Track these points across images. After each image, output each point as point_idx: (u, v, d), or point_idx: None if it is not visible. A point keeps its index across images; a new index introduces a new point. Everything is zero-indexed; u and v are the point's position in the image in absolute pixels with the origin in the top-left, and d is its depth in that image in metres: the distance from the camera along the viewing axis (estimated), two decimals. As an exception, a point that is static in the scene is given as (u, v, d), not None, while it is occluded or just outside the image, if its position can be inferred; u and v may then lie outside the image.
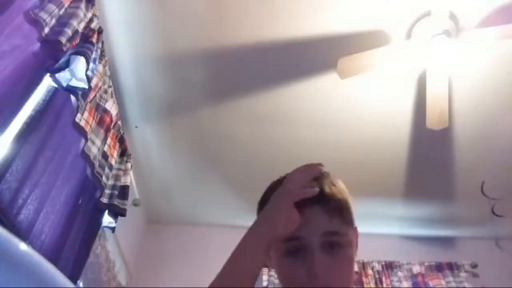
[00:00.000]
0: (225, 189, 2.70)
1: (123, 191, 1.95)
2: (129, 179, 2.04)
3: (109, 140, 1.82)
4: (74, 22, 1.39)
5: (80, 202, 1.66)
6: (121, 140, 2.03)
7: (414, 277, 2.77)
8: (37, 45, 1.29)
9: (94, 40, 1.52)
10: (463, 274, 2.76)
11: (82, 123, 1.53)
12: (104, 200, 1.80)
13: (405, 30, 1.78)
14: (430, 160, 2.44)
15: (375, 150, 2.38)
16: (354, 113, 2.18)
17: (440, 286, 2.72)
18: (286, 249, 0.66)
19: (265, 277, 2.65)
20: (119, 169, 2.00)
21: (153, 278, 2.74)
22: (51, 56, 1.32)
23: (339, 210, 0.67)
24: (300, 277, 0.64)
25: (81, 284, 1.84)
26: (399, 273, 2.75)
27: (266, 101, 2.13)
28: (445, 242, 3.00)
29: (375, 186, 2.60)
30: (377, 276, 2.73)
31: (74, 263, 1.57)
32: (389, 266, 2.77)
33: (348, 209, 0.70)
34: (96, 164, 1.65)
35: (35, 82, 1.31)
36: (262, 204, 0.75)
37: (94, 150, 1.62)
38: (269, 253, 0.70)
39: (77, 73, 1.43)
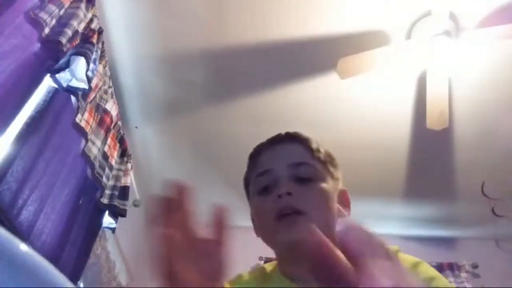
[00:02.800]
0: (225, 189, 2.70)
1: (124, 191, 1.95)
2: (129, 179, 2.04)
3: (109, 141, 1.82)
4: (74, 23, 1.39)
5: (80, 202, 1.66)
6: (121, 141, 2.03)
7: (415, 278, 2.77)
8: (37, 46, 1.29)
9: (94, 40, 1.52)
10: (463, 275, 2.76)
11: (83, 124, 1.53)
12: (105, 200, 1.79)
13: (405, 30, 1.78)
14: (430, 160, 2.43)
15: (375, 150, 2.38)
16: (354, 113, 2.18)
17: (441, 287, 2.71)
18: (258, 185, 0.66)
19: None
20: (119, 169, 2.00)
21: (153, 279, 2.74)
22: (51, 57, 1.32)
23: (309, 147, 0.68)
24: (269, 208, 0.62)
25: (81, 285, 1.84)
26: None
27: (266, 101, 2.13)
28: (446, 242, 2.99)
29: (375, 186, 2.60)
30: (377, 276, 2.72)
31: (74, 263, 1.57)
32: (390, 267, 2.77)
33: (318, 151, 0.68)
34: (96, 164, 1.65)
35: (36, 82, 1.31)
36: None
37: (94, 151, 1.62)
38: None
39: (77, 73, 1.43)
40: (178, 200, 0.45)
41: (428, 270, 0.61)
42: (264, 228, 0.65)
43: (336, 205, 0.64)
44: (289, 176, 0.63)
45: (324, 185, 0.64)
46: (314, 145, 0.69)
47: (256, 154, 0.72)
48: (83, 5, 1.48)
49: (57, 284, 0.16)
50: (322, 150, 0.69)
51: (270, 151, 0.69)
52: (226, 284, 0.65)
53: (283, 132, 0.73)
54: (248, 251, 2.79)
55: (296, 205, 0.60)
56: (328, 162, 0.69)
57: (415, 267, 0.61)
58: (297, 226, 0.58)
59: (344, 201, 0.70)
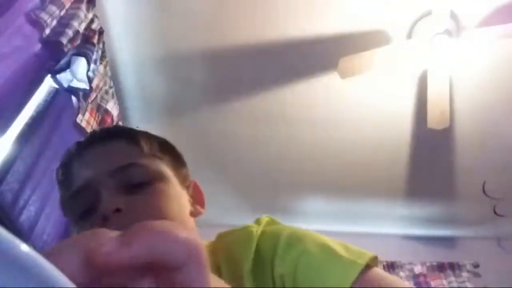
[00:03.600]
0: (226, 189, 2.70)
1: (124, 191, 1.95)
2: (130, 179, 2.04)
3: (110, 141, 1.83)
4: (75, 23, 1.40)
5: (81, 202, 1.66)
6: (122, 141, 2.03)
7: (416, 277, 2.77)
8: (38, 46, 1.29)
9: (95, 41, 1.52)
10: (465, 274, 2.76)
11: (83, 124, 1.53)
12: (105, 200, 1.80)
13: (406, 30, 1.78)
14: (431, 159, 2.43)
15: (376, 150, 2.38)
16: (355, 113, 2.18)
17: (442, 286, 2.71)
18: (76, 211, 0.48)
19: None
20: (120, 169, 2.00)
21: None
22: (52, 57, 1.33)
23: (135, 140, 0.52)
24: (93, 235, 0.41)
25: (82, 285, 1.84)
26: (401, 273, 2.75)
27: (266, 101, 2.13)
28: (447, 242, 2.99)
29: (376, 186, 2.60)
30: (378, 276, 2.72)
31: (75, 263, 1.57)
32: (391, 266, 2.77)
33: (147, 143, 0.54)
34: (97, 164, 1.65)
35: (36, 83, 1.31)
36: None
37: (95, 151, 1.62)
38: None
39: (78, 74, 1.43)
40: None
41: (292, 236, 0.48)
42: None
43: (187, 205, 0.53)
44: (114, 186, 0.47)
45: (163, 185, 0.49)
46: (142, 138, 0.54)
47: (65, 167, 0.53)
48: (83, 6, 1.48)
49: (58, 284, 0.16)
50: (154, 141, 0.56)
51: (83, 158, 0.51)
52: None
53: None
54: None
55: (129, 224, 0.42)
56: (165, 154, 0.55)
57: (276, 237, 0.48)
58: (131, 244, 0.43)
59: (196, 196, 0.58)
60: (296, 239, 0.47)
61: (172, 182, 0.52)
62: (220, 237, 0.55)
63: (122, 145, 0.51)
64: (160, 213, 0.46)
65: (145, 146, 0.52)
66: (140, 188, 0.47)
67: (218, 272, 0.47)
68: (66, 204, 0.51)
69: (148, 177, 0.49)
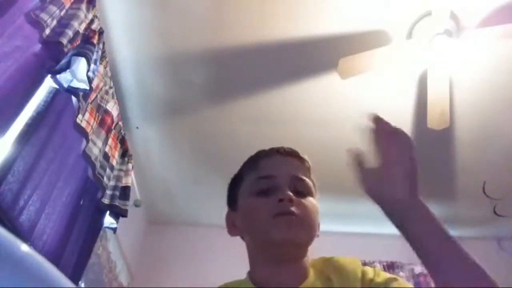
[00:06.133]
0: (225, 189, 2.70)
1: (124, 192, 1.95)
2: (130, 180, 2.04)
3: (110, 141, 1.83)
4: (75, 23, 1.40)
5: (81, 203, 1.66)
6: (122, 141, 2.03)
7: (416, 277, 2.76)
8: (38, 46, 1.29)
9: (95, 41, 1.52)
10: (465, 274, 2.76)
11: (83, 124, 1.53)
12: (106, 201, 1.80)
13: (406, 30, 1.78)
14: (431, 160, 2.43)
15: (376, 150, 2.38)
16: (355, 113, 2.18)
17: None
18: (258, 186, 0.71)
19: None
20: (120, 170, 2.00)
21: (154, 279, 2.74)
22: (52, 57, 1.33)
23: (307, 166, 0.76)
24: (269, 206, 0.67)
25: (82, 285, 1.84)
26: (401, 273, 2.75)
27: (267, 101, 2.13)
28: (447, 242, 2.99)
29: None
30: (378, 276, 2.72)
31: (75, 264, 1.57)
32: (391, 267, 2.77)
33: (311, 172, 0.77)
34: (98, 165, 1.65)
35: (36, 83, 1.31)
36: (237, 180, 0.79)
37: (95, 151, 1.63)
38: (234, 223, 0.74)
39: (78, 74, 1.43)
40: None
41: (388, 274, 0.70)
42: (256, 224, 0.69)
43: (318, 220, 0.72)
44: (289, 186, 0.69)
45: (314, 201, 0.72)
46: (309, 166, 0.77)
47: (259, 158, 0.77)
48: (83, 6, 1.48)
49: (58, 284, 0.16)
50: (311, 172, 0.77)
51: (274, 159, 0.75)
52: None
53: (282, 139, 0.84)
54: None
55: (294, 210, 0.66)
56: (315, 184, 0.76)
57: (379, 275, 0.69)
58: (293, 227, 0.65)
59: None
60: (388, 275, 0.68)
61: (316, 201, 0.74)
62: (326, 259, 0.72)
63: (300, 163, 0.76)
64: (309, 215, 0.69)
65: (310, 172, 0.76)
66: (301, 195, 0.70)
67: (329, 281, 0.67)
68: (248, 180, 0.74)
69: (308, 192, 0.72)
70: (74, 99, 1.54)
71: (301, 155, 0.77)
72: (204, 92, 2.10)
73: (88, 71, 1.44)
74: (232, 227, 0.75)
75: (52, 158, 1.44)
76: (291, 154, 0.76)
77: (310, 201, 0.70)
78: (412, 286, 0.68)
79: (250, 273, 0.72)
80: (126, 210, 1.91)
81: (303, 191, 0.71)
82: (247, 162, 0.78)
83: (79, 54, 1.40)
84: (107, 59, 1.77)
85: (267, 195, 0.69)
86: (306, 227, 0.67)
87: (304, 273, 0.68)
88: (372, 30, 1.79)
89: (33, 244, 1.31)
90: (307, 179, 0.73)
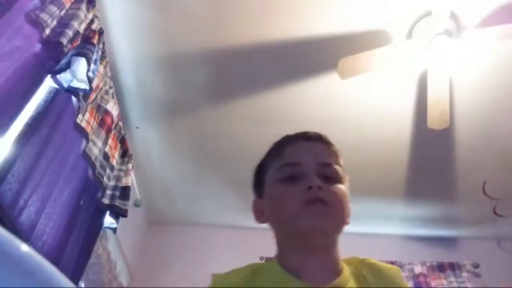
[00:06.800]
0: (226, 190, 2.70)
1: (124, 192, 1.95)
2: (130, 180, 2.04)
3: (110, 141, 1.83)
4: (75, 23, 1.39)
5: (81, 203, 1.66)
6: (122, 141, 2.03)
7: (416, 277, 2.77)
8: (38, 46, 1.29)
9: (95, 41, 1.52)
10: (465, 274, 2.76)
11: (83, 124, 1.53)
12: (106, 201, 1.80)
13: (406, 30, 1.78)
14: (431, 160, 2.43)
15: (376, 150, 2.38)
16: (355, 113, 2.18)
17: (442, 286, 2.71)
18: (284, 173, 0.69)
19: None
20: (120, 170, 2.00)
21: (154, 279, 2.74)
22: (52, 57, 1.33)
23: (334, 151, 0.73)
24: (297, 194, 0.65)
25: (82, 285, 1.84)
26: (401, 274, 2.75)
27: (266, 101, 2.13)
28: (447, 242, 2.99)
29: (376, 186, 2.60)
30: (378, 276, 2.72)
31: (75, 264, 1.57)
32: (391, 266, 2.77)
33: (339, 156, 0.74)
34: (98, 165, 1.65)
35: (36, 83, 1.31)
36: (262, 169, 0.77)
37: (95, 151, 1.63)
38: (262, 210, 0.73)
39: (78, 74, 1.43)
40: None
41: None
42: (283, 212, 0.67)
43: (349, 206, 0.70)
44: (316, 172, 0.67)
45: (343, 187, 0.69)
46: (336, 151, 0.74)
47: (283, 144, 0.75)
48: (83, 6, 1.48)
49: (58, 284, 0.16)
50: (340, 156, 0.75)
51: (299, 145, 0.72)
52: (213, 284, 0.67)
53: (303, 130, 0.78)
54: (248, 251, 2.79)
55: (324, 198, 0.64)
56: (343, 168, 0.73)
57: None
58: (323, 215, 0.64)
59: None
60: None
61: (345, 187, 0.70)
62: (361, 259, 0.71)
63: (327, 149, 0.73)
64: (339, 202, 0.66)
65: (338, 157, 0.73)
66: (330, 181, 0.67)
67: (365, 281, 0.66)
68: (272, 168, 0.72)
69: (337, 178, 0.69)
70: (74, 99, 1.54)
71: (327, 139, 0.74)
72: (204, 92, 2.10)
73: (88, 71, 1.44)
74: (260, 215, 0.73)
75: (52, 158, 1.44)
76: (317, 139, 0.73)
77: (339, 187, 0.67)
78: None
79: (278, 258, 0.69)
80: (126, 210, 1.91)
81: (331, 177, 0.68)
82: (272, 149, 0.77)
83: (79, 54, 1.40)
84: (107, 59, 1.77)
85: (294, 182, 0.67)
86: (336, 215, 0.65)
87: (337, 266, 0.66)
88: (372, 30, 1.79)
89: (33, 244, 1.31)
90: (334, 165, 0.70)
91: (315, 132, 0.75)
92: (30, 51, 1.26)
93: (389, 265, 0.70)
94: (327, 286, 0.61)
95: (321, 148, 0.72)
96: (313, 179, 0.65)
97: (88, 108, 1.57)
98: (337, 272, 0.65)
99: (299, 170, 0.68)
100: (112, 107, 1.84)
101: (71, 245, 1.53)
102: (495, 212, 2.64)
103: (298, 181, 0.66)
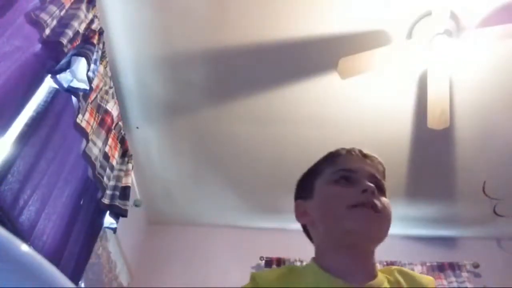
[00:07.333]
0: (226, 190, 2.70)
1: (124, 192, 1.95)
2: (130, 180, 2.04)
3: (110, 141, 1.83)
4: (75, 23, 1.40)
5: (81, 203, 1.66)
6: (122, 141, 2.03)
7: (416, 277, 2.76)
8: (38, 46, 1.29)
9: (95, 41, 1.52)
10: (465, 274, 2.76)
11: (83, 124, 1.53)
12: (106, 201, 1.80)
13: (406, 30, 1.78)
14: (431, 160, 2.43)
15: (376, 150, 2.36)
16: (355, 113, 2.18)
17: (442, 286, 2.71)
18: (339, 176, 0.73)
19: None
20: (120, 170, 2.00)
21: (154, 279, 2.74)
22: (52, 57, 1.33)
23: (382, 170, 0.78)
24: (350, 195, 0.68)
25: (82, 285, 1.84)
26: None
27: (267, 102, 2.13)
28: (447, 242, 2.99)
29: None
30: (378, 276, 2.72)
31: (75, 264, 1.57)
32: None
33: (385, 177, 0.79)
34: (98, 165, 1.65)
35: (36, 83, 1.31)
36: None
37: (95, 151, 1.63)
38: (306, 211, 0.76)
39: (78, 74, 1.43)
40: None
41: None
42: (334, 211, 0.70)
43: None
44: (370, 182, 0.71)
45: (386, 199, 0.73)
46: (384, 170, 0.79)
47: (339, 154, 0.79)
48: (83, 6, 1.48)
49: (58, 284, 0.16)
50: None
51: (355, 156, 0.78)
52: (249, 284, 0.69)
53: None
54: (248, 251, 2.79)
55: (376, 203, 0.67)
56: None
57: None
58: (372, 220, 0.67)
59: None
60: None
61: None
62: (395, 268, 0.74)
63: (378, 164, 0.78)
64: (388, 212, 0.69)
65: (384, 176, 0.78)
66: (379, 192, 0.71)
67: (399, 285, 0.68)
68: (327, 172, 0.76)
69: (384, 191, 0.73)
70: (74, 99, 1.54)
71: (379, 159, 0.80)
72: (204, 92, 2.10)
73: (88, 71, 1.44)
74: (303, 214, 0.76)
75: (52, 158, 1.44)
76: (370, 157, 0.79)
77: (387, 200, 0.71)
78: None
79: (315, 260, 0.72)
80: (126, 210, 1.91)
81: (382, 189, 0.72)
82: (327, 157, 0.80)
83: (79, 54, 1.40)
84: (107, 59, 1.77)
85: (348, 185, 0.71)
86: (383, 224, 0.68)
87: (373, 271, 0.68)
88: (372, 30, 1.79)
89: (33, 244, 1.31)
90: (382, 181, 0.75)
91: (368, 152, 0.81)
92: (30, 51, 1.26)
93: (422, 275, 0.73)
94: (366, 286, 0.64)
95: (373, 164, 0.77)
96: (369, 184, 0.69)
97: (88, 108, 1.57)
98: (373, 276, 0.67)
99: (354, 176, 0.72)
100: (112, 107, 1.84)
101: (71, 245, 1.53)
102: (495, 212, 2.64)
103: (352, 185, 0.70)
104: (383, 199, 0.70)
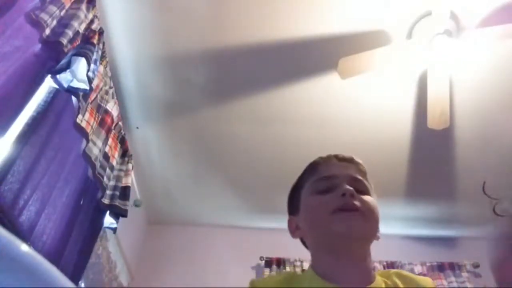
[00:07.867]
0: (226, 190, 2.70)
1: (124, 192, 1.95)
2: (130, 180, 2.04)
3: (110, 141, 1.83)
4: (75, 23, 1.40)
5: (81, 203, 1.66)
6: (122, 141, 2.03)
7: (416, 277, 2.76)
8: (38, 46, 1.29)
9: (95, 41, 1.52)
10: (465, 274, 2.76)
11: (83, 124, 1.53)
12: (106, 201, 1.80)
13: (406, 30, 1.78)
14: (431, 160, 2.43)
15: (376, 150, 2.38)
16: (355, 113, 2.18)
17: (442, 286, 2.71)
18: (319, 186, 0.75)
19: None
20: (120, 170, 2.00)
21: (154, 279, 2.74)
22: (52, 57, 1.33)
23: (363, 170, 0.80)
24: (331, 201, 0.69)
25: (82, 285, 1.84)
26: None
27: (267, 101, 2.13)
28: (447, 242, 2.99)
29: (376, 186, 2.58)
30: (378, 276, 2.72)
31: (75, 264, 1.57)
32: (391, 267, 2.77)
33: (367, 174, 0.81)
34: (98, 165, 1.65)
35: (36, 83, 1.31)
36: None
37: (95, 151, 1.63)
38: (298, 226, 0.77)
39: (78, 74, 1.43)
40: None
41: None
42: (318, 219, 0.72)
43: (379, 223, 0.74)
44: (349, 185, 0.72)
45: (373, 199, 0.75)
46: (365, 170, 0.81)
47: (317, 163, 0.81)
48: (83, 6, 1.48)
49: (58, 284, 0.16)
50: (367, 174, 0.82)
51: (332, 163, 0.79)
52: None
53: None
54: (248, 251, 2.79)
55: (356, 204, 0.69)
56: (372, 187, 0.80)
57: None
58: (355, 219, 0.68)
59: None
60: None
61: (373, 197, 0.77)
62: (395, 271, 0.76)
63: (357, 168, 0.79)
64: (371, 210, 0.71)
65: (366, 174, 0.80)
66: (361, 193, 0.72)
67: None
68: (308, 183, 0.77)
69: (367, 191, 0.75)
70: (74, 99, 1.54)
71: (357, 160, 0.81)
72: (204, 92, 2.10)
73: (88, 71, 1.44)
74: (296, 230, 0.78)
75: (52, 158, 1.44)
76: (347, 160, 0.80)
77: (369, 197, 0.73)
78: None
79: (312, 268, 0.73)
80: (126, 210, 1.91)
81: (362, 190, 0.73)
82: (307, 169, 0.82)
83: (79, 54, 1.40)
84: (107, 59, 1.77)
85: (329, 191, 0.72)
86: (368, 221, 0.69)
87: (370, 275, 0.69)
88: (372, 30, 1.79)
89: (33, 244, 1.31)
90: (365, 180, 0.76)
91: (345, 155, 0.82)
92: (30, 51, 1.26)
93: (421, 276, 0.75)
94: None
95: (352, 166, 0.79)
96: (346, 187, 0.70)
97: (88, 108, 1.57)
98: (370, 281, 0.68)
99: (333, 182, 0.73)
100: (112, 107, 1.84)
101: (71, 245, 1.53)
102: (495, 212, 2.63)
103: (332, 191, 0.72)
104: (366, 197, 0.72)
